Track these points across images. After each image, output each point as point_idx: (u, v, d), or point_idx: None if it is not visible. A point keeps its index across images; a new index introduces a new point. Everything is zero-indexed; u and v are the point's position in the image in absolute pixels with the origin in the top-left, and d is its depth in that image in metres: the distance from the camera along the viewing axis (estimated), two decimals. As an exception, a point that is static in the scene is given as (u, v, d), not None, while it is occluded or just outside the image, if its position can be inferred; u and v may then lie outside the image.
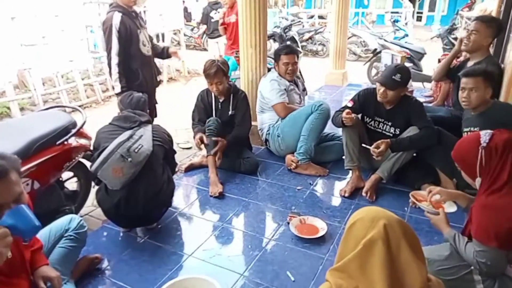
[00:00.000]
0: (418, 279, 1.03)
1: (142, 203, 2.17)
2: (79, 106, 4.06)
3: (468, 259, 1.55)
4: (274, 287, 1.88)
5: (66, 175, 2.54)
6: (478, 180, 1.56)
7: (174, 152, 2.53)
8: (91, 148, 2.38)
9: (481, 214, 1.50)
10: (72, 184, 2.67)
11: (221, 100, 3.11)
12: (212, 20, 6.18)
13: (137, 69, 3.02)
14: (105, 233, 2.36)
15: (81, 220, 1.87)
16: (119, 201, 2.15)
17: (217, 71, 2.91)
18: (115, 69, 2.89)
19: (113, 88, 3.04)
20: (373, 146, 2.62)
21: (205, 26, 7.02)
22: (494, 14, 4.70)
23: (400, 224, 1.08)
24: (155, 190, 2.22)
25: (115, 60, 2.88)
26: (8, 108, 4.97)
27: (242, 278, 1.95)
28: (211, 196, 2.77)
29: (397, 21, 8.09)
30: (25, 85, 5.78)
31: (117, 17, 2.85)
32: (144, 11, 7.01)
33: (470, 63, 2.91)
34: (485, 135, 1.54)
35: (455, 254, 1.64)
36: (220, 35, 5.86)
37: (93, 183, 2.46)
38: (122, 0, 2.92)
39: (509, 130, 1.56)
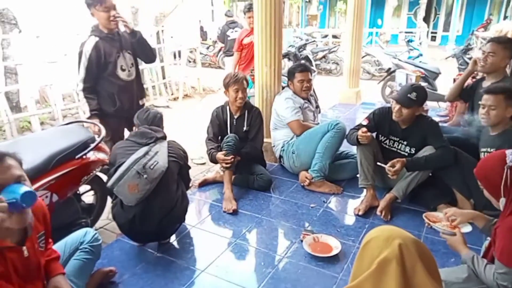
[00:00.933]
0: None
1: (157, 219, 2.20)
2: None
3: (487, 282, 1.51)
4: (287, 306, 1.86)
5: (83, 188, 2.59)
6: (502, 201, 1.50)
7: (189, 167, 2.56)
8: (108, 162, 2.43)
9: (508, 237, 1.44)
10: (88, 197, 2.71)
11: (235, 117, 3.16)
12: (229, 39, 6.37)
13: (113, 94, 2.90)
14: (119, 247, 2.38)
15: (96, 234, 1.90)
16: (134, 217, 2.17)
17: (243, 78, 3.06)
18: (81, 95, 2.85)
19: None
20: (388, 164, 2.60)
21: (221, 44, 7.21)
22: (510, 34, 4.68)
23: (416, 244, 1.06)
24: (170, 206, 2.25)
25: (80, 86, 2.82)
26: (29, 122, 5.12)
27: (255, 295, 1.94)
28: (224, 212, 2.78)
29: (411, 41, 8.09)
30: (45, 100, 5.96)
31: (90, 44, 2.77)
32: (162, 30, 7.22)
33: (486, 83, 2.89)
34: (511, 154, 1.49)
35: (473, 276, 1.60)
36: None
37: (109, 197, 2.50)
38: (102, 24, 2.81)
39: None
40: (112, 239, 2.50)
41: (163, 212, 2.21)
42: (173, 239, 2.45)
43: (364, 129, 2.69)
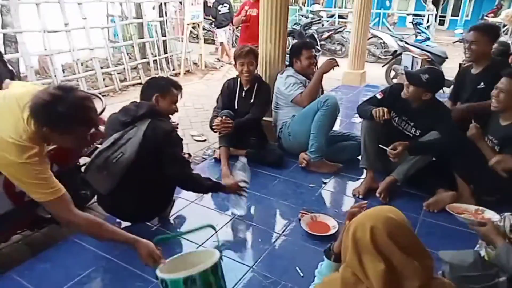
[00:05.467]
0: (416, 282, 1.00)
1: (130, 209, 2.17)
2: (98, 93, 4.10)
3: None
4: (283, 281, 1.88)
5: (83, 160, 2.57)
6: None
7: (171, 153, 2.14)
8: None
9: None
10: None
11: (245, 89, 3.17)
12: (219, 13, 7.63)
13: None
14: (118, 220, 2.39)
15: None
16: (112, 204, 2.19)
17: (250, 51, 3.04)
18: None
19: None
20: (390, 147, 2.58)
21: (212, 19, 8.42)
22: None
23: (386, 224, 1.05)
24: (144, 197, 2.12)
25: None
26: (29, 92, 5.06)
27: (251, 270, 1.96)
28: (223, 188, 2.78)
29: (419, 23, 7.90)
30: (45, 71, 5.89)
31: None
32: (165, 3, 7.05)
33: (474, 70, 2.91)
34: None
35: (479, 262, 1.57)
36: (226, 25, 7.65)
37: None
38: None
39: None
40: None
41: (137, 203, 2.12)
42: (172, 213, 2.45)
43: (386, 109, 2.59)
